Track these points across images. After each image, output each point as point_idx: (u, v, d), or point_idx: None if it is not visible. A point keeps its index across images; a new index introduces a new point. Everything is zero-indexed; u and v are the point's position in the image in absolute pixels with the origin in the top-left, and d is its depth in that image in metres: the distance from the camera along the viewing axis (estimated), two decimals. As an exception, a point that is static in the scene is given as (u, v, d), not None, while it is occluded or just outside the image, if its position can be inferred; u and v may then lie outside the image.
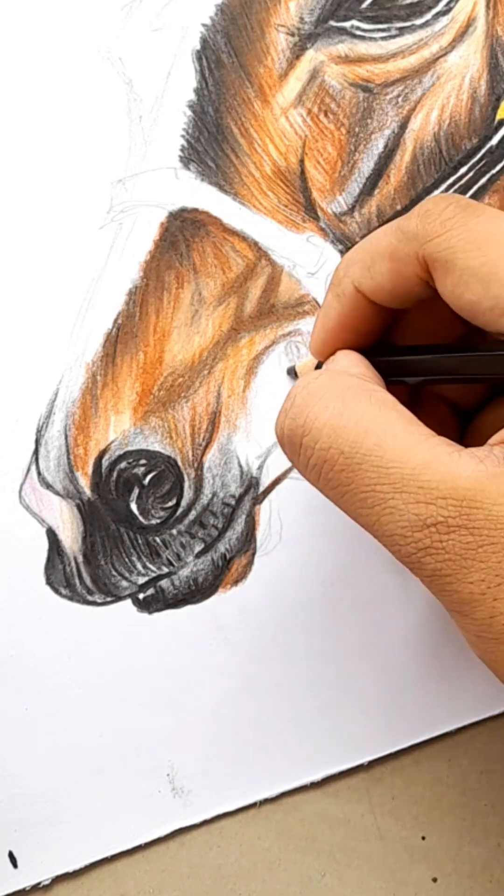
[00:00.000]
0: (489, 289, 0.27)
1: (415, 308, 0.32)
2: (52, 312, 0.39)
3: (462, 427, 0.35)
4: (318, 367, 0.35)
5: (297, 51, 0.39)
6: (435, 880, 0.39)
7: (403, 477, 0.26)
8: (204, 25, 0.39)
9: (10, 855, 0.39)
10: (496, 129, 0.39)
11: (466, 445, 0.27)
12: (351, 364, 0.32)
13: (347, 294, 0.32)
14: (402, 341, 0.34)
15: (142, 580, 0.39)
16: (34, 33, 0.39)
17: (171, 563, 0.39)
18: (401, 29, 0.39)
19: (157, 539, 0.39)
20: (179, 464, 0.38)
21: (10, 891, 0.39)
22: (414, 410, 0.29)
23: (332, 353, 0.33)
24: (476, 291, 0.28)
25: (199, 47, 0.39)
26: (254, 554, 0.39)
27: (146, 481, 0.38)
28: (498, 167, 0.39)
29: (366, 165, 0.39)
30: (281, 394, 0.39)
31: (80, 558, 0.39)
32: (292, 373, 0.38)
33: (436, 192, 0.39)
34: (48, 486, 0.38)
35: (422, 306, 0.32)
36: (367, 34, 0.38)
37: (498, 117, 0.39)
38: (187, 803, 0.39)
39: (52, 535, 0.39)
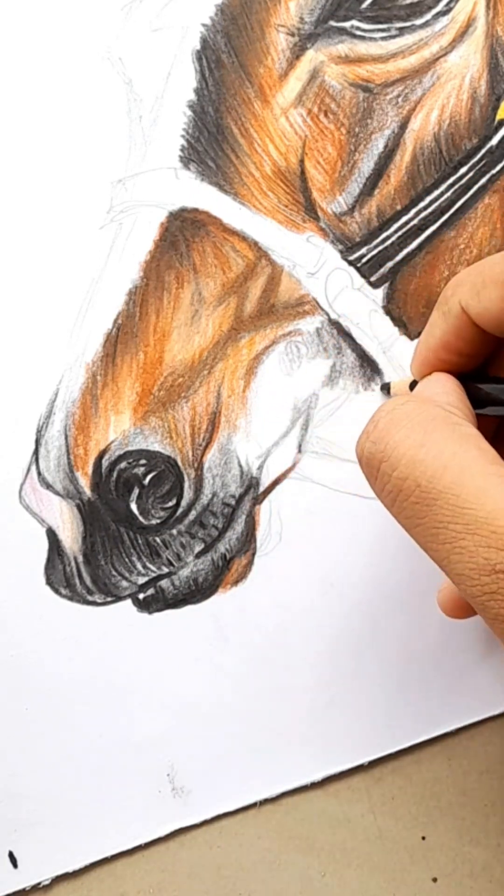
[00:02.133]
0: None
1: None
2: (52, 312, 0.39)
3: None
4: (413, 385, 0.34)
5: (298, 51, 0.39)
6: (435, 880, 0.39)
7: (477, 519, 0.26)
8: (204, 25, 0.39)
9: (10, 855, 0.39)
10: (496, 129, 0.39)
11: None
12: (442, 391, 0.31)
13: (453, 314, 0.31)
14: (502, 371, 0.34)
15: (142, 580, 0.39)
16: (35, 33, 0.39)
17: (171, 563, 0.39)
18: (401, 29, 0.39)
19: (157, 539, 0.39)
20: (179, 464, 0.38)
21: (10, 891, 0.39)
22: (498, 441, 0.29)
23: (430, 373, 0.33)
24: None
25: (199, 47, 0.39)
26: (254, 554, 0.39)
27: (146, 481, 0.38)
28: (498, 167, 0.39)
29: (366, 165, 0.39)
30: (281, 394, 0.39)
31: (80, 558, 0.39)
32: (386, 389, 0.38)
33: (436, 192, 0.39)
34: (48, 486, 0.38)
35: None
36: (367, 34, 0.38)
37: (498, 117, 0.39)
38: (187, 803, 0.39)
39: (52, 535, 0.39)
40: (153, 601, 0.39)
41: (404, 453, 0.28)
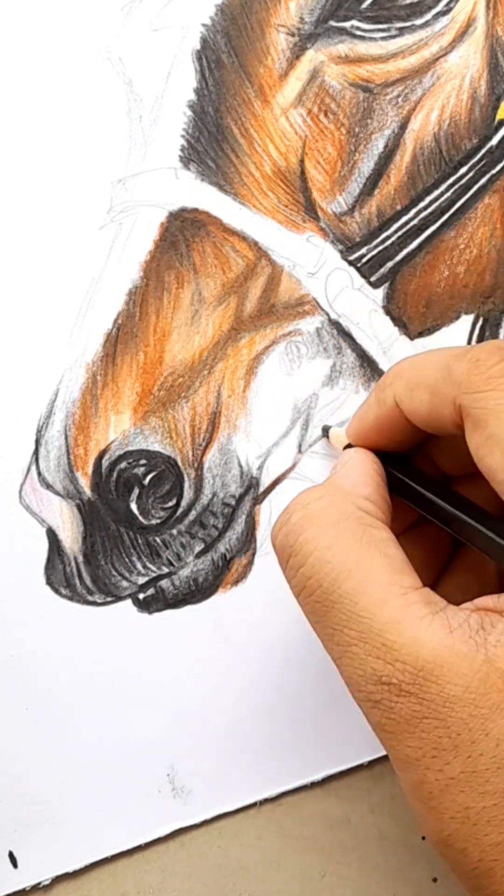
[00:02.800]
0: None
1: (448, 437, 0.32)
2: (52, 312, 0.39)
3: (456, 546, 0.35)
4: (348, 446, 0.35)
5: (298, 51, 0.39)
6: (435, 880, 0.39)
7: (371, 629, 0.27)
8: (204, 25, 0.39)
9: (10, 855, 0.39)
10: (496, 129, 0.39)
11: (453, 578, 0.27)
12: (360, 481, 0.32)
13: (387, 404, 0.32)
14: (433, 453, 0.34)
15: (142, 580, 0.39)
16: (34, 33, 0.39)
17: (171, 563, 0.39)
18: (401, 29, 0.39)
19: (158, 539, 0.39)
20: (179, 464, 0.38)
21: (10, 891, 0.39)
22: (417, 525, 0.29)
23: (362, 444, 0.34)
24: (497, 460, 0.28)
25: (199, 47, 0.39)
26: (254, 554, 0.39)
27: (146, 481, 0.38)
28: (498, 167, 0.39)
29: (366, 165, 0.39)
30: (281, 394, 0.39)
31: (81, 558, 0.39)
32: (326, 432, 0.38)
33: (436, 192, 0.39)
34: (48, 486, 0.38)
35: (455, 438, 0.31)
36: (367, 34, 0.38)
37: (498, 117, 0.39)
38: (187, 803, 0.39)
39: (52, 535, 0.39)
40: (153, 601, 0.39)
41: (311, 551, 0.28)
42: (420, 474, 0.33)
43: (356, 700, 0.28)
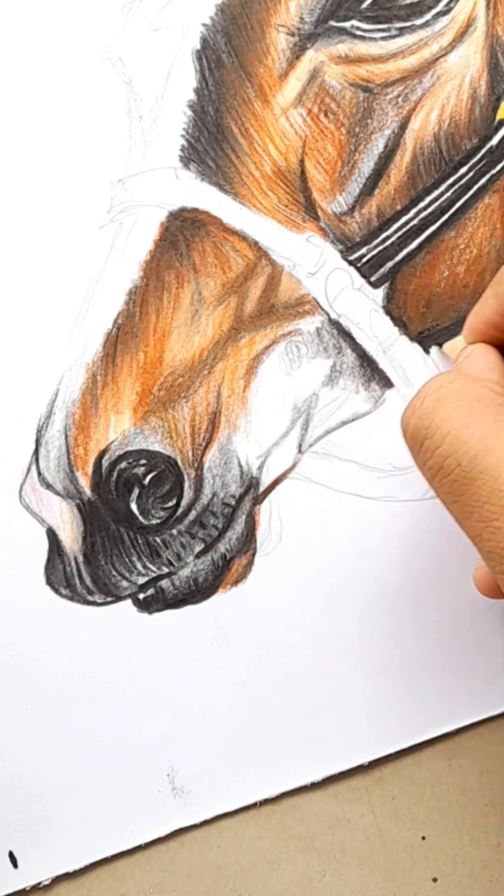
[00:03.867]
0: None
1: None
2: (52, 312, 0.39)
3: None
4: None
5: (298, 51, 0.39)
6: (435, 880, 0.39)
7: None
8: (204, 25, 0.39)
9: (11, 855, 0.39)
10: (496, 129, 0.39)
11: None
12: (487, 367, 0.32)
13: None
14: None
15: (142, 580, 0.39)
16: (35, 33, 0.39)
17: (171, 564, 0.39)
18: (401, 29, 0.39)
19: (158, 539, 0.39)
20: (179, 464, 0.38)
21: (10, 891, 0.39)
22: None
23: (478, 342, 0.34)
24: None
25: (199, 47, 0.39)
26: (254, 554, 0.39)
27: (146, 481, 0.38)
28: (498, 167, 0.39)
29: (366, 165, 0.39)
30: (281, 394, 0.39)
31: (80, 558, 0.39)
32: (439, 351, 0.38)
33: (436, 192, 0.39)
34: (48, 486, 0.38)
35: None
36: (367, 34, 0.38)
37: (498, 117, 0.39)
38: (187, 803, 0.39)
39: (52, 535, 0.39)
40: (153, 601, 0.39)
41: (448, 432, 0.28)
42: None
43: (498, 574, 0.27)
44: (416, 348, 0.39)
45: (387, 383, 0.39)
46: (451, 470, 0.28)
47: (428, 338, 0.39)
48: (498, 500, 0.27)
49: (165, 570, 0.39)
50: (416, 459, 0.30)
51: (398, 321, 0.39)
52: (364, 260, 0.39)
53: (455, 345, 0.36)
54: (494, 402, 0.29)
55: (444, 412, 0.29)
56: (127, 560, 0.39)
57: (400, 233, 0.39)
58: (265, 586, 0.39)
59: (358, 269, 0.39)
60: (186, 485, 0.38)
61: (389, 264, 0.39)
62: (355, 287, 0.39)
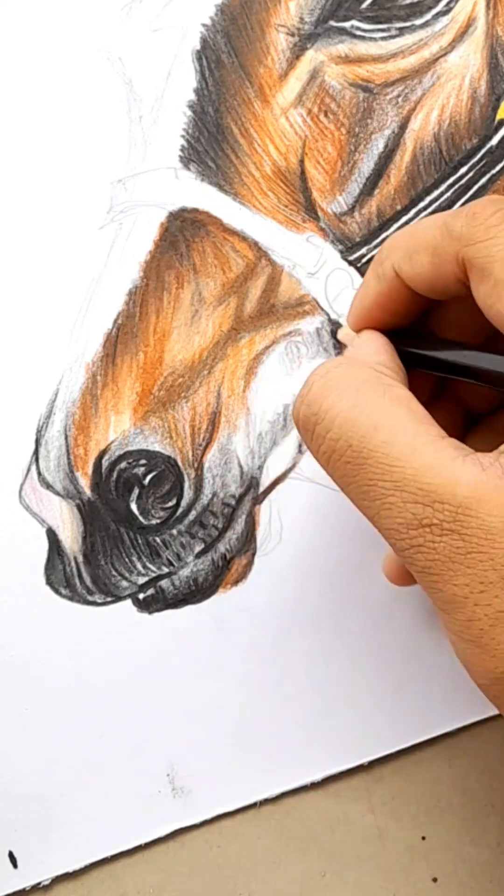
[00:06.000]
0: None
1: (452, 300, 0.32)
2: (52, 312, 0.39)
3: (468, 428, 0.35)
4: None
5: (297, 51, 0.39)
6: (435, 880, 0.39)
7: (405, 477, 0.27)
8: (204, 25, 0.39)
9: (10, 855, 0.39)
10: (496, 129, 0.39)
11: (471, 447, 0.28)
12: (373, 351, 0.32)
13: (387, 277, 0.32)
14: (437, 329, 0.34)
15: (142, 580, 0.39)
16: (34, 33, 0.39)
17: (171, 563, 0.39)
18: (401, 29, 0.39)
19: (157, 539, 0.39)
20: (179, 464, 0.38)
21: (10, 891, 0.39)
22: (432, 403, 0.29)
23: (364, 329, 0.34)
24: None
25: (199, 47, 0.39)
26: (254, 554, 0.39)
27: (146, 481, 0.38)
28: (498, 167, 0.39)
29: (366, 165, 0.39)
30: (280, 394, 0.39)
31: (80, 558, 0.39)
32: (334, 337, 0.38)
33: (436, 192, 0.39)
34: (48, 486, 0.38)
35: (459, 300, 0.32)
36: (367, 34, 0.38)
37: (498, 117, 0.39)
38: (187, 803, 0.39)
39: (52, 535, 0.39)
40: (153, 601, 0.39)
41: (337, 414, 0.29)
42: (430, 338, 0.33)
43: (397, 551, 0.28)
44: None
45: (387, 383, 0.39)
46: (343, 452, 0.28)
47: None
48: (390, 476, 0.27)
49: (165, 570, 0.39)
50: (310, 447, 0.30)
51: (398, 321, 0.39)
52: (364, 260, 0.39)
53: (348, 331, 0.36)
54: (381, 382, 0.29)
55: (331, 396, 0.29)
56: (127, 560, 0.39)
57: (400, 233, 0.39)
58: (265, 586, 0.39)
59: (358, 269, 0.39)
60: (186, 485, 0.38)
61: (389, 264, 0.39)
62: (355, 287, 0.39)
